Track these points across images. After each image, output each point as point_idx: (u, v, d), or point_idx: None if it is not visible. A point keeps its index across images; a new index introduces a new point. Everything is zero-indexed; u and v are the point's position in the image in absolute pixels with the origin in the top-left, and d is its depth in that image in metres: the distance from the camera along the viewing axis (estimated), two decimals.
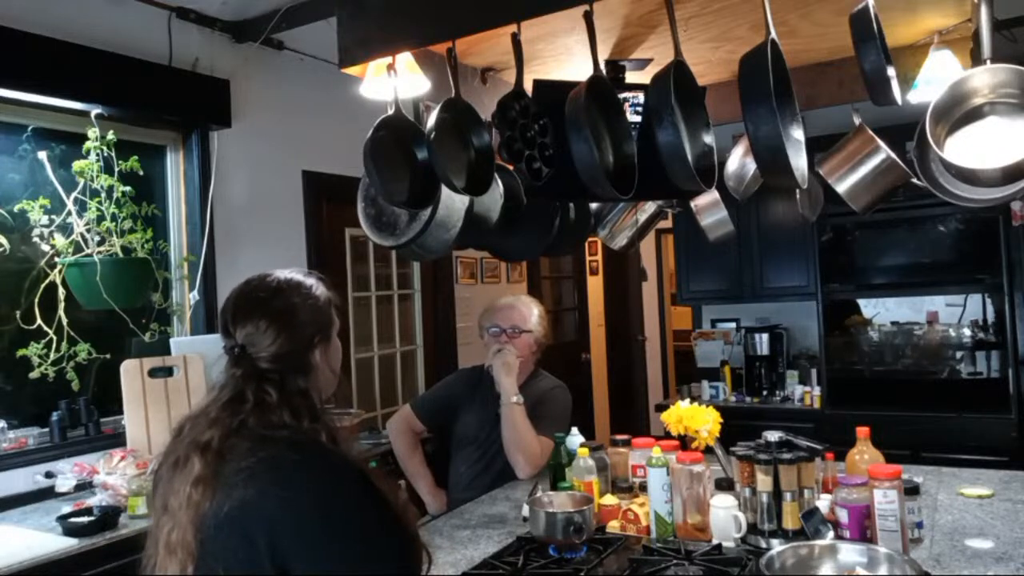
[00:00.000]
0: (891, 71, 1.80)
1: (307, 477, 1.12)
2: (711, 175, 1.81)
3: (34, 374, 2.74)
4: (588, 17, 1.79)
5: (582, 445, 2.24)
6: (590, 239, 5.43)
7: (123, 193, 2.86)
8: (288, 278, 1.34)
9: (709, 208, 2.81)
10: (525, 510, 1.99)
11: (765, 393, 4.46)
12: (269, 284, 1.32)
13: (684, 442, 2.15)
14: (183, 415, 1.26)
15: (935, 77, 2.22)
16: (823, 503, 1.87)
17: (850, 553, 1.56)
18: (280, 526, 1.08)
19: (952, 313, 4.18)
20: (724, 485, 1.94)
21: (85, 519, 2.26)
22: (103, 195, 2.82)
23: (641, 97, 2.17)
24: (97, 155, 2.81)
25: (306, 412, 1.21)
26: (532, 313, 2.72)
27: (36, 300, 2.77)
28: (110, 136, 2.82)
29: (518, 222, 2.26)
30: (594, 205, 2.62)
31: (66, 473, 2.61)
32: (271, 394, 1.20)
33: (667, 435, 2.18)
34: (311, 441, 1.17)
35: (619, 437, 2.33)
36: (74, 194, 2.81)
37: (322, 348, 1.33)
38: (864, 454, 2.02)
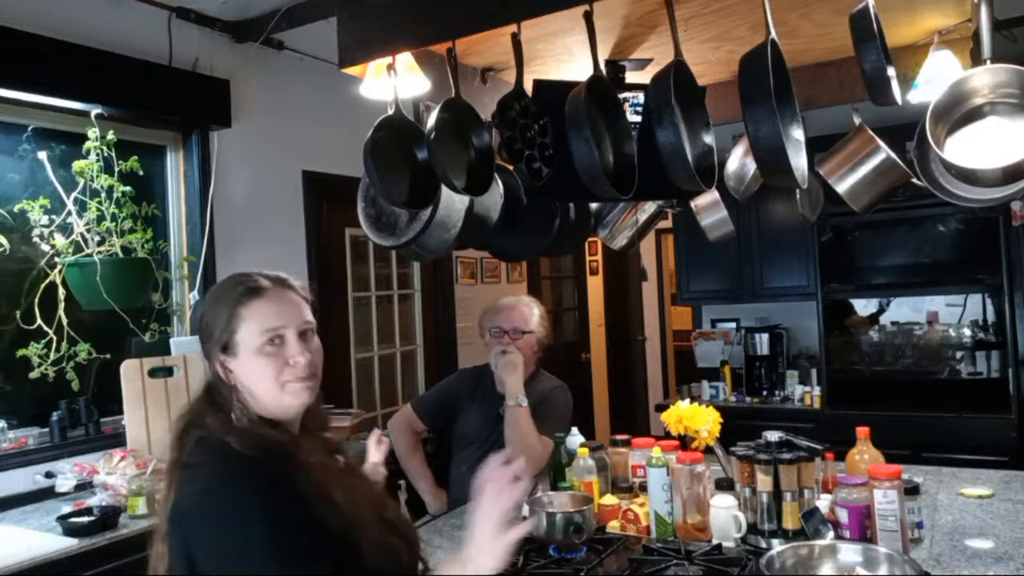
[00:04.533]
0: (891, 71, 1.80)
1: (205, 475, 1.19)
2: (711, 175, 1.81)
3: (34, 374, 2.73)
4: (588, 17, 1.79)
5: (582, 445, 2.24)
6: (590, 239, 5.43)
7: (123, 193, 2.86)
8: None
9: (709, 208, 2.81)
10: (525, 510, 1.99)
11: (765, 393, 4.45)
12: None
13: (684, 442, 2.15)
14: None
15: (935, 77, 2.22)
16: (823, 503, 1.87)
17: (850, 553, 1.56)
18: (187, 522, 1.16)
19: (952, 313, 4.18)
20: (724, 485, 1.94)
21: (85, 519, 2.26)
22: (103, 195, 2.82)
23: (641, 97, 2.18)
24: (97, 155, 2.81)
25: (225, 413, 1.27)
26: (533, 314, 2.72)
27: (36, 300, 2.77)
28: (110, 136, 2.82)
29: (518, 222, 2.26)
30: (594, 205, 2.62)
31: (66, 473, 2.61)
32: (209, 392, 1.29)
33: (667, 435, 2.18)
34: (219, 440, 1.21)
35: (619, 437, 2.33)
36: (74, 194, 2.81)
37: (223, 359, 1.28)
38: (864, 454, 2.03)
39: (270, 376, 1.26)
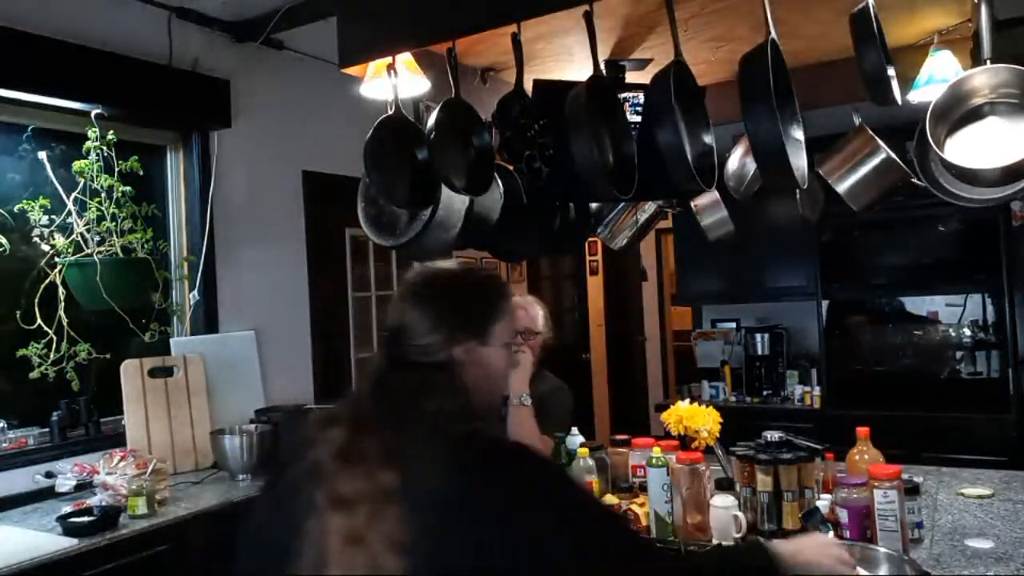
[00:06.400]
0: (891, 71, 1.80)
1: (507, 461, 1.14)
2: (711, 175, 1.81)
3: (34, 374, 2.73)
4: (588, 17, 1.79)
5: (582, 445, 2.24)
6: (590, 239, 5.43)
7: (123, 193, 2.86)
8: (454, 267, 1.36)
9: (709, 208, 2.81)
10: None
11: (765, 393, 4.45)
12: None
13: (684, 442, 2.15)
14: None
15: (935, 77, 2.22)
16: (823, 503, 1.87)
17: None
18: (498, 511, 1.06)
19: (952, 313, 4.18)
20: (724, 485, 1.94)
21: (85, 519, 2.26)
22: (103, 195, 2.82)
23: (641, 97, 2.18)
24: (97, 155, 2.81)
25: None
26: (539, 315, 2.72)
27: (36, 300, 2.77)
28: (110, 136, 2.82)
29: (518, 222, 2.26)
30: (594, 205, 2.62)
31: (66, 473, 2.61)
32: (422, 378, 1.20)
33: (667, 435, 2.18)
34: (470, 426, 1.19)
35: (619, 437, 2.33)
36: (74, 194, 2.81)
37: (471, 346, 1.27)
38: (864, 454, 2.03)
39: (504, 370, 1.30)
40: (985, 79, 1.73)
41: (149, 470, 2.48)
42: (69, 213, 2.80)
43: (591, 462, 2.14)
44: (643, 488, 2.05)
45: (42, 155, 2.79)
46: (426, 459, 1.06)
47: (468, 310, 1.27)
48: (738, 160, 2.52)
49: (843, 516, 1.73)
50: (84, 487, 2.59)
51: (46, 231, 2.76)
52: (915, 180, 2.02)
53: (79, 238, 2.79)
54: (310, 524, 1.05)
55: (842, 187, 2.23)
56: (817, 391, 4.21)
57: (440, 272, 1.31)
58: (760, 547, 1.26)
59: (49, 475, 2.62)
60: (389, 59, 2.09)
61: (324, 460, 1.09)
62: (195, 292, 3.21)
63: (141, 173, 2.95)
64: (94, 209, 2.80)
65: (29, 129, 2.80)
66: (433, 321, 1.23)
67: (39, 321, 2.77)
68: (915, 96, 2.26)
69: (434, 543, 1.01)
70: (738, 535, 1.81)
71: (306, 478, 1.10)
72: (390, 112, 2.05)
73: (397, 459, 1.06)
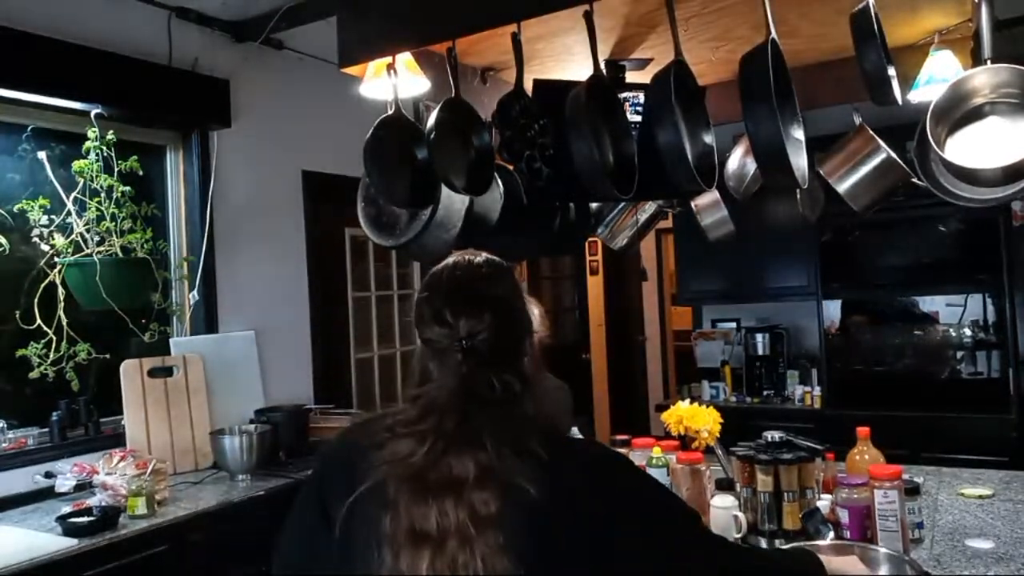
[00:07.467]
0: (891, 71, 1.80)
1: (604, 454, 1.23)
2: (711, 175, 1.81)
3: (34, 374, 2.73)
4: (588, 17, 1.79)
5: None
6: (590, 239, 5.43)
7: (123, 193, 2.85)
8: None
9: (709, 208, 2.81)
10: None
11: (765, 393, 4.45)
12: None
13: (684, 442, 2.15)
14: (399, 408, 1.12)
15: (935, 77, 2.22)
16: (823, 503, 1.87)
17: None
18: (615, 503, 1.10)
19: (952, 313, 4.18)
20: (724, 485, 1.94)
21: (85, 519, 2.26)
22: (103, 195, 2.81)
23: (641, 97, 2.18)
24: (97, 155, 2.80)
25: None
26: (533, 314, 2.72)
27: (36, 300, 2.77)
28: (110, 136, 2.82)
29: (518, 222, 2.26)
30: (594, 205, 2.62)
31: (66, 473, 2.61)
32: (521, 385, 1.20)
33: (667, 435, 2.18)
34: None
35: (619, 437, 2.32)
36: (74, 194, 2.80)
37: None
38: (864, 454, 2.03)
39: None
40: (985, 79, 1.73)
41: (149, 470, 2.48)
42: (69, 213, 2.80)
43: None
44: None
45: (42, 155, 2.79)
46: (525, 473, 1.00)
47: (525, 318, 1.24)
48: (738, 160, 2.52)
49: (843, 516, 1.73)
50: (84, 487, 2.59)
51: (46, 231, 2.75)
52: (915, 180, 2.02)
53: (79, 238, 2.79)
54: (383, 556, 0.99)
55: (842, 187, 2.23)
56: (817, 391, 4.21)
57: (498, 271, 1.21)
58: (815, 556, 1.26)
59: (49, 475, 2.62)
60: (389, 59, 2.09)
61: (392, 484, 1.02)
62: (195, 292, 3.21)
63: (141, 173, 2.94)
64: (94, 209, 2.80)
65: (29, 129, 2.80)
66: (511, 330, 1.19)
67: (39, 321, 2.76)
68: (915, 96, 2.26)
69: (539, 555, 0.98)
70: (738, 535, 1.81)
71: (369, 498, 1.03)
72: (390, 112, 2.05)
73: (494, 477, 1.00)
